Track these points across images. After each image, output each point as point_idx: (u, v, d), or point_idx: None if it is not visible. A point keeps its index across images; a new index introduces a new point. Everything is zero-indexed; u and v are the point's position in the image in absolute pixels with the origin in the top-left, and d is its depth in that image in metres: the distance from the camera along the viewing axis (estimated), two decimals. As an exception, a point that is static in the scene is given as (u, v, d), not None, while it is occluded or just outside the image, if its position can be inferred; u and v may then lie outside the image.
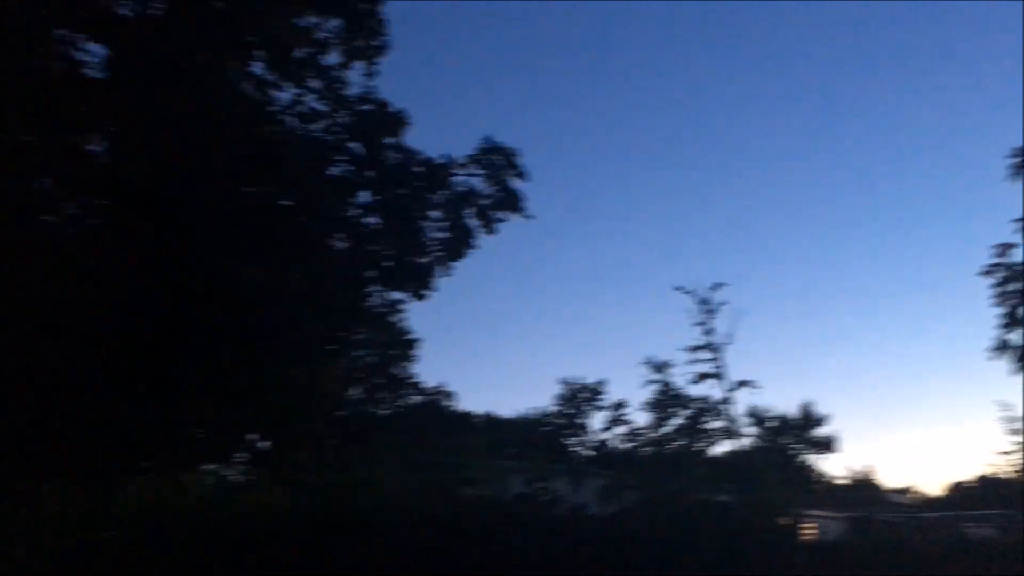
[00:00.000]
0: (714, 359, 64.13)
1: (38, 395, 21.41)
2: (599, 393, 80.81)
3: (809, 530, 34.40)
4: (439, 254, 28.60)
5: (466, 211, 28.43)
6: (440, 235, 28.55)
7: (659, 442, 74.81)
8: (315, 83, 27.14)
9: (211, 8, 23.90)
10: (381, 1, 27.06)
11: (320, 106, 27.46)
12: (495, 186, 28.35)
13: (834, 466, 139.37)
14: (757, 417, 78.60)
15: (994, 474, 72.68)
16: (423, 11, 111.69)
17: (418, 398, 59.79)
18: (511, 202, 28.41)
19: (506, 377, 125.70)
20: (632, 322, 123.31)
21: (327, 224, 26.77)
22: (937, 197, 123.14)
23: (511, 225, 28.46)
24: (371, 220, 28.50)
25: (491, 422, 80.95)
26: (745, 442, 74.45)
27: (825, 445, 79.41)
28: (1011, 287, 47.65)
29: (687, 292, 63.28)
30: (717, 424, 70.95)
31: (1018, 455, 63.88)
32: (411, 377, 59.36)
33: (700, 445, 72.28)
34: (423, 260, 28.48)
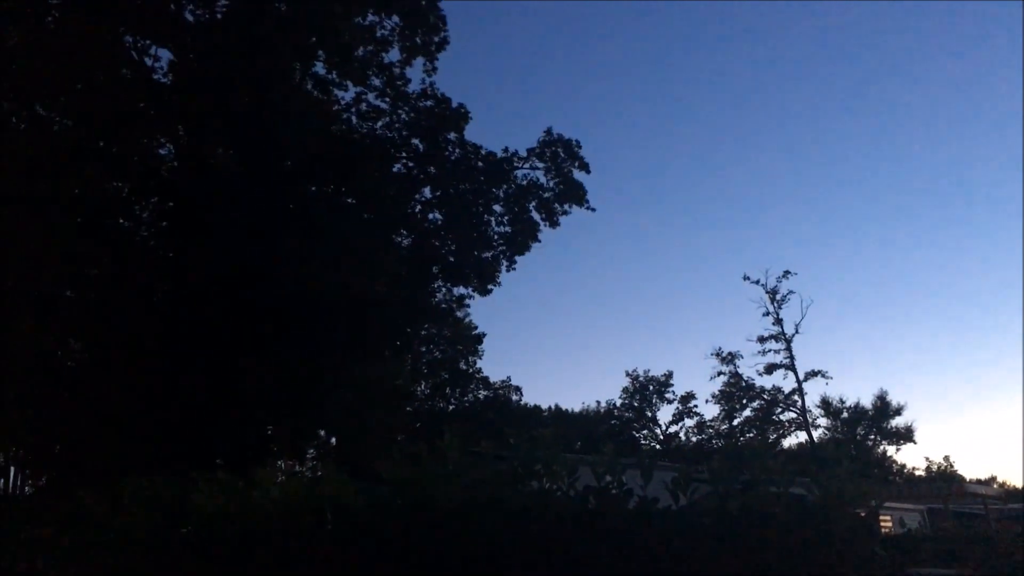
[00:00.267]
0: (784, 349, 63.57)
1: (118, 394, 22.15)
2: (667, 385, 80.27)
3: (886, 523, 33.57)
4: (503, 248, 28.65)
5: (529, 205, 28.38)
6: (503, 229, 28.61)
7: (729, 434, 73.99)
8: (376, 81, 27.43)
9: (273, 10, 24.28)
10: (439, -3, 27.18)
11: (381, 104, 27.76)
12: (557, 179, 28.23)
13: (912, 457, 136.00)
14: (830, 407, 77.13)
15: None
16: (483, 5, 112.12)
17: (485, 392, 60.07)
18: (574, 194, 28.25)
19: (573, 370, 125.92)
20: (700, 313, 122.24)
21: (391, 221, 27.02)
22: None
23: (575, 217, 28.35)
24: (434, 216, 28.75)
25: (559, 415, 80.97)
26: (818, 433, 73.22)
27: (902, 435, 77.55)
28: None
29: (755, 282, 62.74)
30: (788, 415, 70.16)
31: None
32: (478, 372, 59.76)
33: (772, 436, 71.33)
34: (487, 255, 28.57)
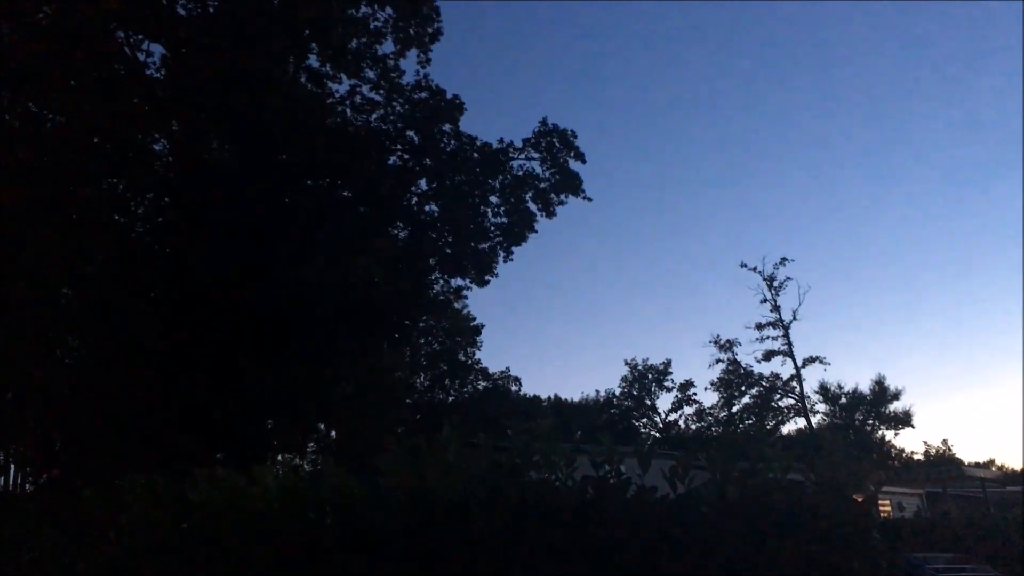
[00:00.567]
0: (782, 336, 63.70)
1: (118, 391, 22.17)
2: (666, 374, 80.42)
3: (885, 507, 33.72)
4: (499, 239, 28.63)
5: (525, 195, 28.34)
6: (500, 220, 28.58)
7: (728, 421, 74.19)
8: (370, 73, 27.41)
9: (266, 3, 24.21)
10: (433, -12, 27.11)
11: (376, 96, 27.74)
12: (553, 169, 28.18)
13: (911, 441, 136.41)
14: (828, 393, 77.31)
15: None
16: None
17: (484, 384, 60.16)
18: (570, 184, 28.21)
19: (572, 360, 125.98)
20: (698, 301, 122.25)
21: (387, 214, 26.99)
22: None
23: (572, 207, 28.34)
24: (430, 208, 28.73)
25: (558, 405, 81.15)
26: (817, 419, 73.43)
27: (900, 420, 77.74)
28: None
29: (753, 269, 62.81)
30: (787, 401, 70.37)
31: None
32: (477, 363, 59.86)
33: (770, 423, 71.57)
34: (484, 246, 28.55)
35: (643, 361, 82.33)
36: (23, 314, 21.95)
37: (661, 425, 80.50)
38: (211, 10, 24.31)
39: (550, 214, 28.60)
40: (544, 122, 28.07)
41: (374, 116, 27.73)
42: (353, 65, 26.89)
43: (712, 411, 76.98)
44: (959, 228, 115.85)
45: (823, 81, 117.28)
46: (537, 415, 57.19)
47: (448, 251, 28.61)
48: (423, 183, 28.34)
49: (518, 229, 28.41)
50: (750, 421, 72.48)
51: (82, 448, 22.66)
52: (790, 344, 63.14)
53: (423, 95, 27.36)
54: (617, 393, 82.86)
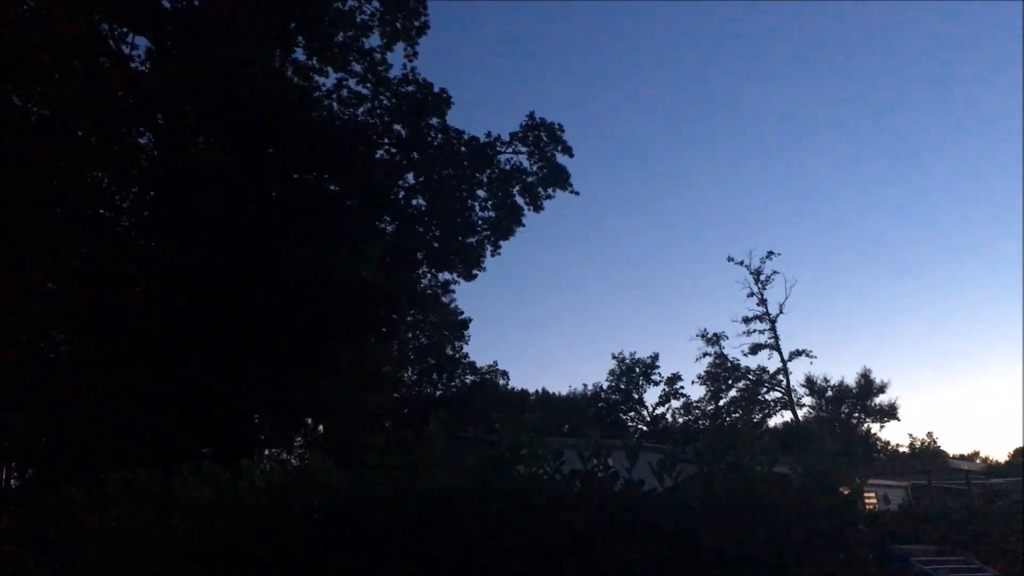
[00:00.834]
0: (768, 329, 63.98)
1: (103, 386, 22.05)
2: (653, 367, 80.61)
3: (870, 499, 33.91)
4: (487, 233, 28.62)
5: (513, 189, 28.34)
6: (487, 214, 28.58)
7: (715, 414, 74.49)
8: (357, 67, 27.31)
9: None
10: (420, -20, 27.02)
11: (363, 89, 27.63)
12: (541, 163, 28.19)
13: (896, 433, 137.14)
14: (815, 386, 77.76)
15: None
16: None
17: (472, 377, 60.12)
18: (558, 178, 28.22)
19: (560, 354, 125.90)
20: (685, 295, 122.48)
21: (374, 207, 26.91)
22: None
23: (559, 201, 28.29)
24: (418, 202, 28.67)
25: (546, 399, 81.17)
26: (803, 412, 73.83)
27: (886, 413, 78.22)
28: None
29: (740, 263, 63.02)
30: (774, 395, 70.71)
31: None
32: (464, 357, 59.83)
33: (757, 416, 71.90)
34: (471, 240, 28.54)
35: (631, 355, 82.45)
36: (6, 307, 21.78)
37: (649, 419, 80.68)
38: (196, 3, 24.14)
39: (537, 208, 28.62)
40: (531, 116, 28.08)
41: (361, 110, 27.64)
42: (340, 58, 26.79)
43: (699, 404, 77.34)
44: (944, 222, 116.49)
45: (808, 75, 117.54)
46: (525, 409, 57.25)
47: (435, 245, 28.57)
48: (410, 177, 28.30)
49: (505, 223, 28.41)
50: (737, 414, 72.79)
51: (67, 443, 22.52)
52: (777, 338, 63.49)
53: (410, 89, 27.28)
54: (605, 387, 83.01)
